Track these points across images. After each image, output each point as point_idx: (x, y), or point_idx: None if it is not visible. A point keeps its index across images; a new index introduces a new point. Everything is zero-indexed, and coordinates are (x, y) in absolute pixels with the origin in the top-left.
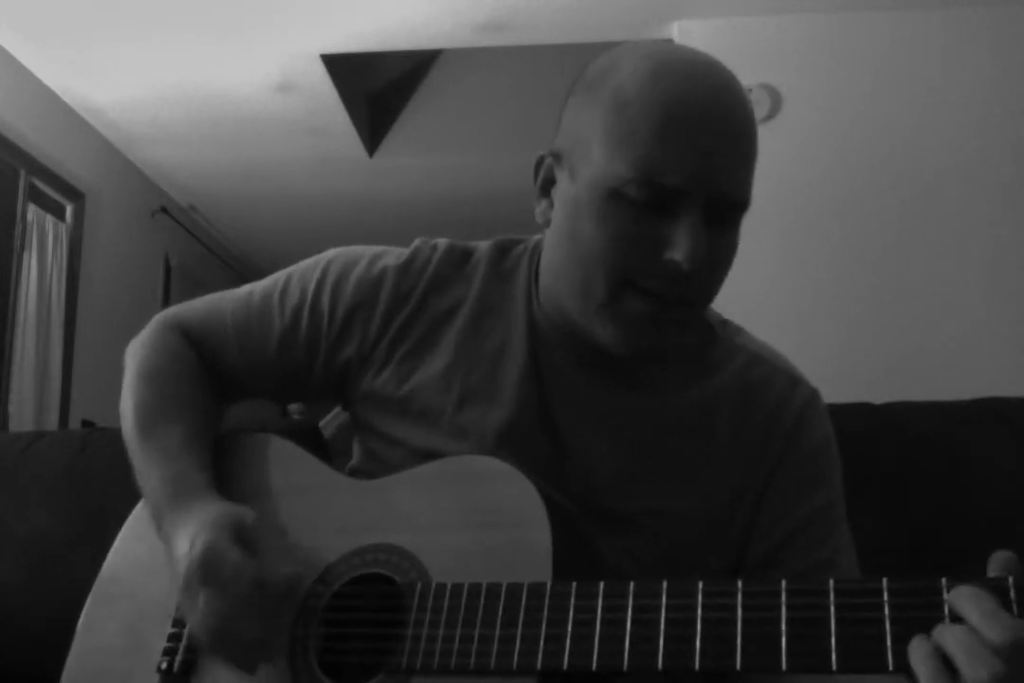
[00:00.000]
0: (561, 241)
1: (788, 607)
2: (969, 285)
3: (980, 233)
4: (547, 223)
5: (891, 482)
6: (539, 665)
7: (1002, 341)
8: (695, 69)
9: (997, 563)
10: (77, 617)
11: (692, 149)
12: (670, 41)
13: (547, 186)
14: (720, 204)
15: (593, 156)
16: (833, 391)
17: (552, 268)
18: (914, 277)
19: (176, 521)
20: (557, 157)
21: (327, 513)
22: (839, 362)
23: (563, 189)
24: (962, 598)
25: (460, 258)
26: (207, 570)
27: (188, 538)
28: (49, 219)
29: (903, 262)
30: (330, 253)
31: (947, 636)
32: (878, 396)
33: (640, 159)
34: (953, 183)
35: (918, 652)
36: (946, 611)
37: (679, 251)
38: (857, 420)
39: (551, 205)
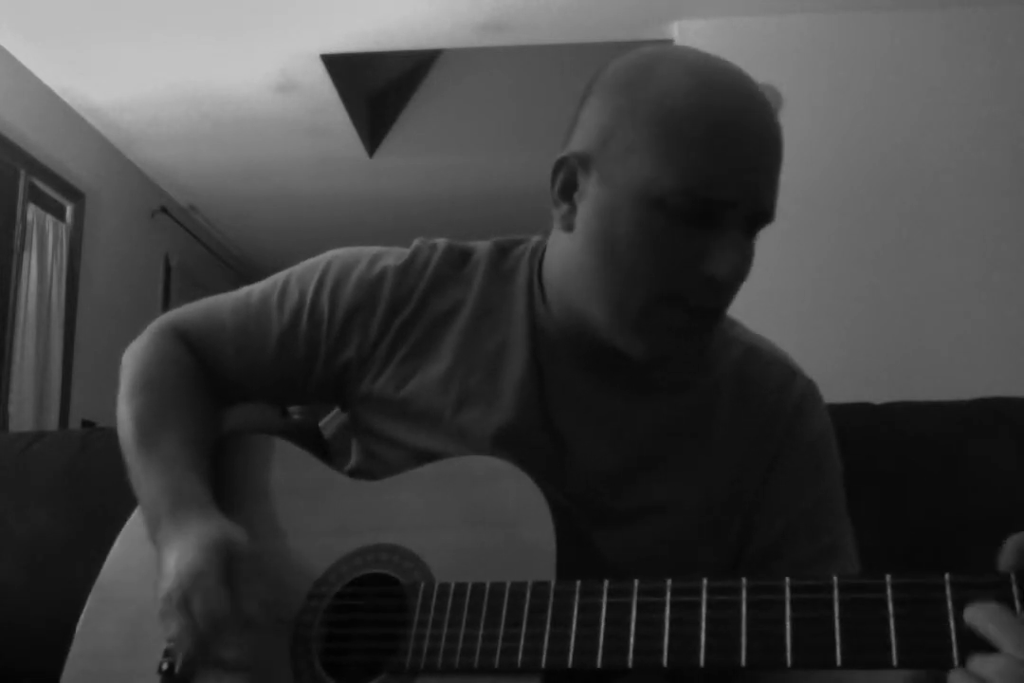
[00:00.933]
0: (590, 248)
1: (792, 604)
2: (969, 285)
3: (980, 233)
4: (568, 228)
5: (891, 482)
6: (544, 664)
7: (1002, 341)
8: (736, 82)
9: (1013, 547)
10: (77, 617)
11: (742, 163)
12: (671, 41)
13: (568, 189)
14: (758, 218)
15: (634, 164)
16: (833, 391)
17: (574, 275)
18: (914, 277)
19: (171, 534)
20: (583, 160)
21: (329, 514)
22: (839, 362)
23: (593, 195)
24: (982, 618)
25: (460, 258)
26: (186, 595)
27: (177, 554)
28: (49, 219)
29: (903, 262)
30: (329, 254)
31: (989, 669)
32: (878, 396)
33: (691, 170)
34: (953, 183)
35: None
36: (949, 607)
37: (722, 266)
38: (857, 420)
39: (573, 210)
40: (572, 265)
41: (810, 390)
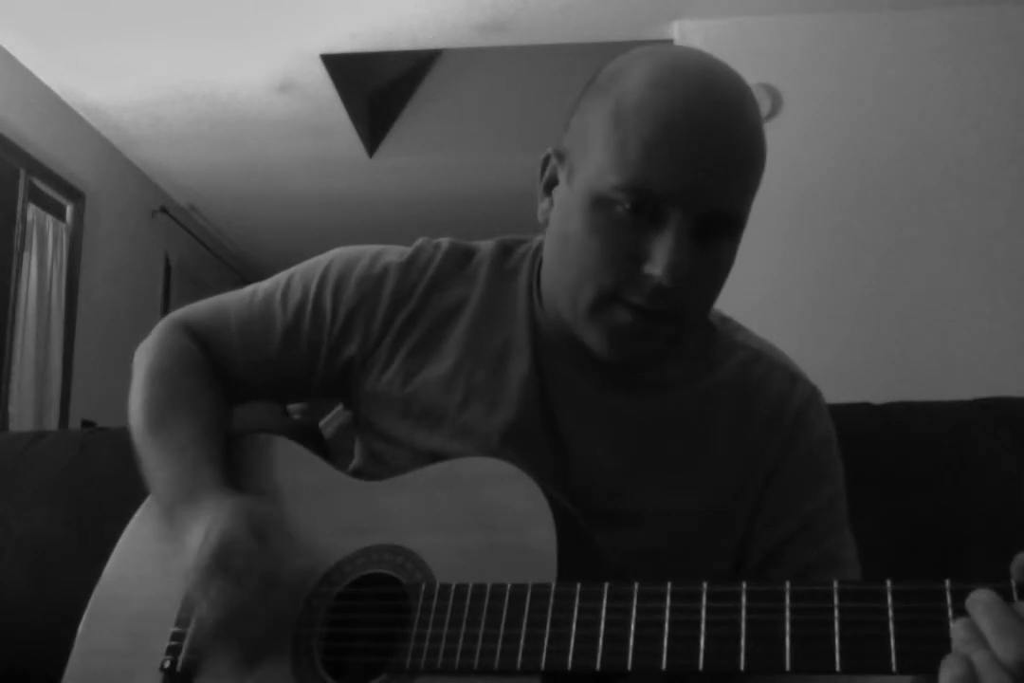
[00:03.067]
0: (554, 243)
1: (792, 609)
2: (969, 285)
3: (980, 233)
4: (546, 223)
5: (891, 482)
6: (543, 665)
7: (1002, 341)
8: (701, 79)
9: (1021, 564)
10: (78, 617)
11: (683, 159)
12: (671, 41)
13: (550, 185)
14: (712, 219)
15: (589, 160)
16: (833, 391)
17: (547, 270)
18: (914, 277)
19: (189, 514)
20: (561, 157)
21: (332, 514)
22: (839, 362)
23: (561, 190)
24: (976, 608)
25: (463, 257)
26: (221, 560)
27: (203, 528)
28: (49, 219)
29: (903, 262)
30: (332, 253)
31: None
32: (878, 396)
33: (631, 166)
34: (953, 183)
35: (949, 673)
36: (950, 615)
37: (657, 266)
38: (857, 420)
39: (551, 205)
40: (547, 262)
41: (813, 396)
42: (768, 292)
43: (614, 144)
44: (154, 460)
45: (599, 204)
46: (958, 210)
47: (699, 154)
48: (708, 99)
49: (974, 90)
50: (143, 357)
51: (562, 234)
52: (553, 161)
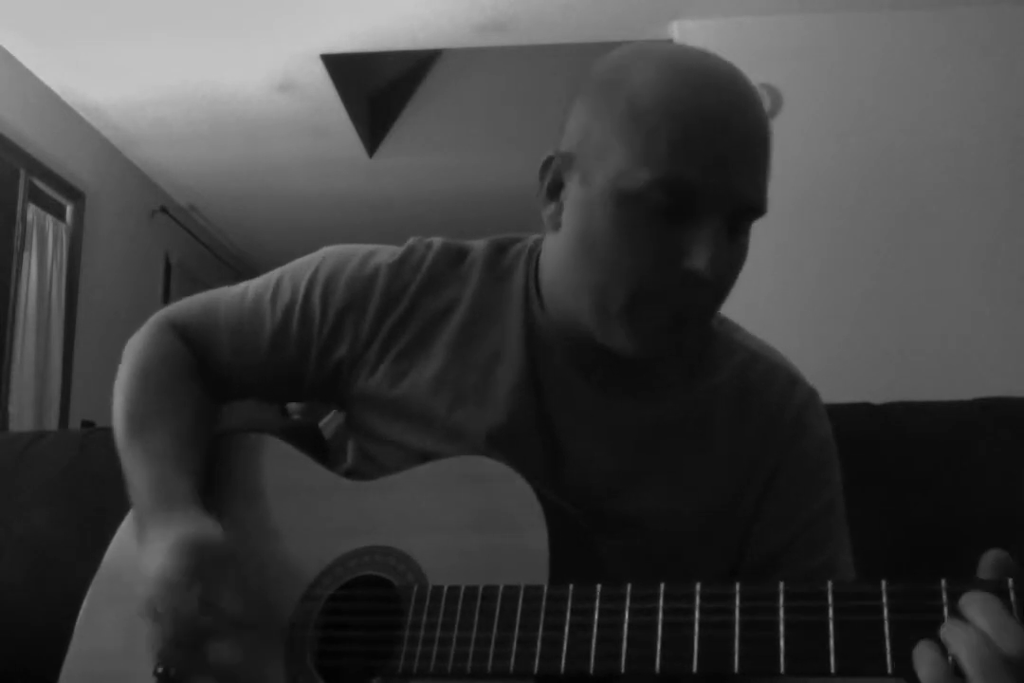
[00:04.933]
0: (573, 247)
1: (786, 609)
2: (969, 285)
3: (980, 232)
4: (556, 227)
5: (891, 482)
6: (536, 668)
7: (1002, 341)
8: (712, 73)
9: (990, 563)
10: (76, 617)
11: (715, 154)
12: (671, 42)
13: (555, 189)
14: (742, 210)
15: (611, 161)
16: (833, 391)
17: (561, 274)
18: (914, 277)
19: (151, 534)
20: (567, 159)
21: (323, 515)
22: (839, 362)
23: (574, 193)
24: (973, 604)
25: (455, 257)
26: (152, 601)
27: (152, 559)
28: (49, 219)
29: (903, 261)
30: (322, 252)
31: (959, 641)
32: (878, 396)
33: (663, 162)
34: (953, 183)
35: (925, 656)
36: (945, 614)
37: (701, 260)
38: (857, 420)
39: (560, 209)
40: (560, 264)
41: (812, 399)
42: (768, 292)
43: (638, 142)
44: (130, 465)
45: (628, 201)
46: (958, 210)
47: (726, 149)
48: (724, 94)
49: (974, 90)
50: (130, 355)
51: (581, 236)
52: (557, 164)
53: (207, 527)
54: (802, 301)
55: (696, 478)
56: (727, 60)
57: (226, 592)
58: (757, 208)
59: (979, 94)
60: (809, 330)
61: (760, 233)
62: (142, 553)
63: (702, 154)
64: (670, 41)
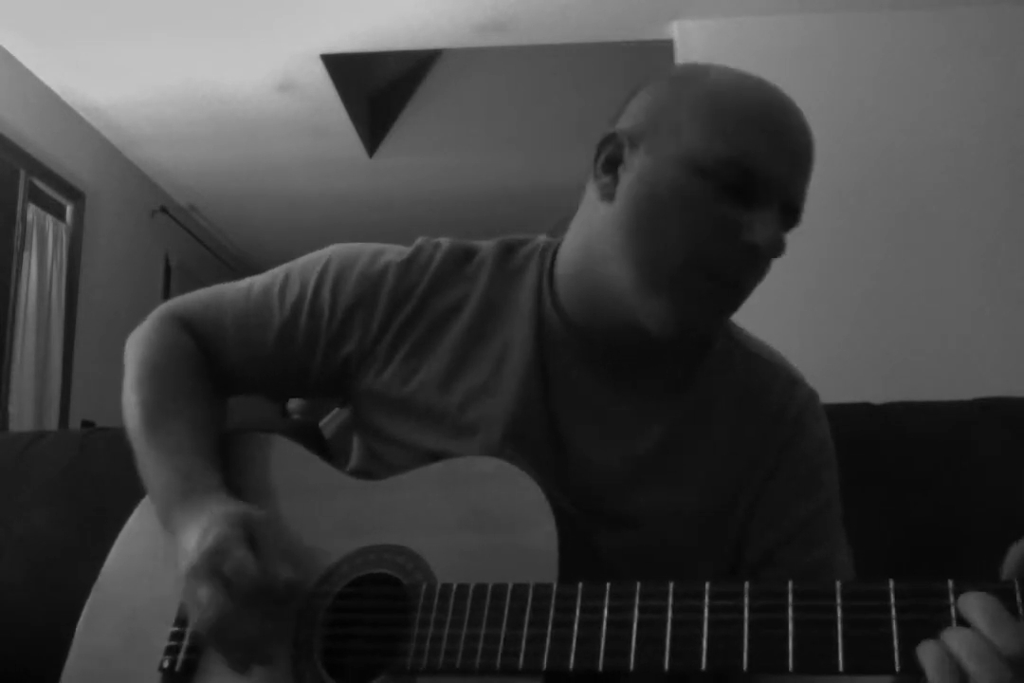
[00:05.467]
0: (629, 217)
1: (795, 608)
2: (969, 285)
3: (980, 233)
4: (608, 197)
5: (891, 482)
6: (545, 665)
7: (1002, 341)
8: (780, 92)
9: (1015, 558)
10: (77, 617)
11: (782, 147)
12: (670, 42)
13: (612, 163)
14: (790, 207)
15: (684, 135)
16: (833, 391)
17: (607, 241)
18: (914, 277)
19: (187, 516)
20: (632, 135)
21: (331, 514)
22: (839, 362)
23: (639, 164)
24: (970, 604)
25: (463, 257)
26: (214, 563)
27: (200, 530)
28: (49, 219)
29: (903, 261)
30: (331, 249)
31: (956, 641)
32: (878, 396)
33: (741, 142)
34: (953, 183)
35: (930, 655)
36: (953, 614)
37: (761, 235)
38: (857, 420)
39: (615, 181)
40: (607, 238)
41: (811, 400)
42: (768, 292)
43: (718, 122)
44: (150, 461)
45: (697, 174)
46: (958, 210)
47: (792, 144)
48: (789, 106)
49: (974, 90)
50: (136, 349)
51: (642, 204)
52: (620, 139)
53: (244, 506)
54: (802, 301)
55: (697, 478)
56: None
57: (274, 555)
58: (797, 210)
59: (979, 94)
60: (809, 330)
61: None
62: (179, 536)
63: (770, 143)
64: (670, 41)
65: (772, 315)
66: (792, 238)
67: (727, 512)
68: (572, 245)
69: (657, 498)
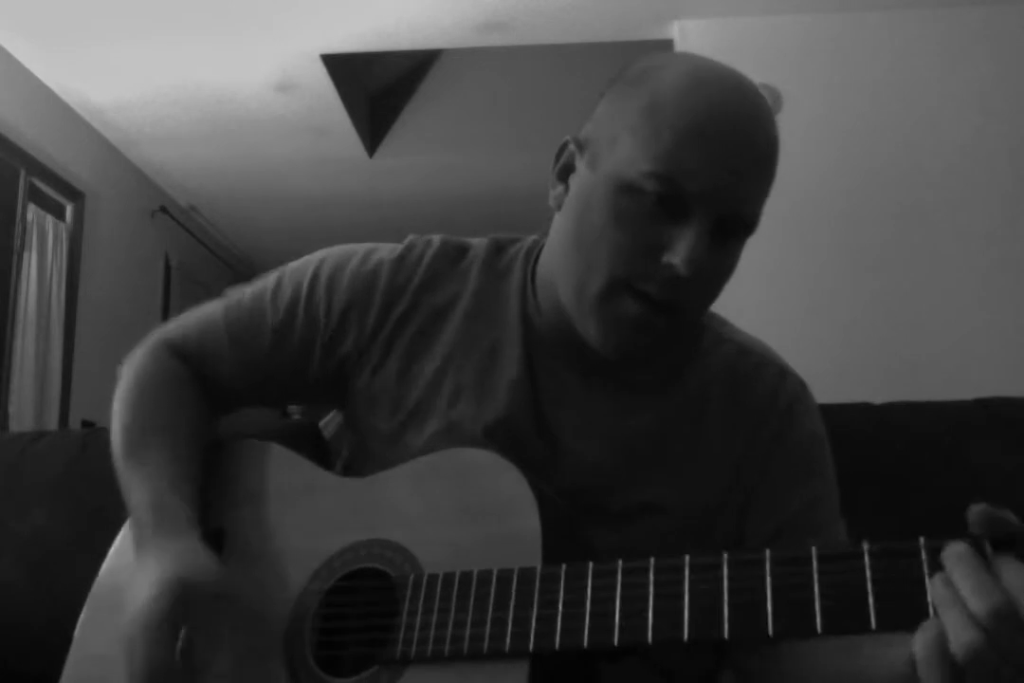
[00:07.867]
0: (568, 229)
1: (773, 575)
2: (969, 285)
3: (980, 233)
4: (559, 207)
5: (891, 482)
6: (531, 647)
7: (1002, 341)
8: (735, 87)
9: (977, 517)
10: (77, 617)
11: (717, 160)
12: (671, 42)
13: (565, 171)
14: (731, 220)
15: (618, 148)
16: (833, 391)
17: (554, 257)
18: (914, 277)
19: (149, 558)
20: (580, 144)
21: (320, 513)
22: (839, 362)
23: (581, 176)
24: (951, 560)
25: (455, 253)
26: (131, 643)
27: (143, 588)
28: (49, 219)
29: (903, 262)
30: (321, 252)
31: (957, 572)
32: (878, 396)
33: (664, 156)
34: (953, 183)
35: (939, 589)
36: (925, 570)
37: (678, 255)
38: (857, 420)
39: (566, 190)
40: (556, 248)
41: (801, 390)
42: (768, 292)
43: (647, 133)
44: (127, 488)
45: (625, 190)
46: (958, 210)
47: (730, 155)
48: (741, 106)
49: (974, 90)
50: (126, 373)
51: (578, 219)
52: (571, 148)
53: (200, 562)
54: (802, 301)
55: (689, 473)
56: (754, 83)
57: (204, 640)
58: (746, 220)
59: (979, 94)
60: (809, 330)
61: (760, 233)
62: (135, 576)
63: (702, 156)
64: (670, 41)
65: (772, 315)
66: (792, 238)
67: (721, 506)
68: (546, 257)
69: (649, 493)
